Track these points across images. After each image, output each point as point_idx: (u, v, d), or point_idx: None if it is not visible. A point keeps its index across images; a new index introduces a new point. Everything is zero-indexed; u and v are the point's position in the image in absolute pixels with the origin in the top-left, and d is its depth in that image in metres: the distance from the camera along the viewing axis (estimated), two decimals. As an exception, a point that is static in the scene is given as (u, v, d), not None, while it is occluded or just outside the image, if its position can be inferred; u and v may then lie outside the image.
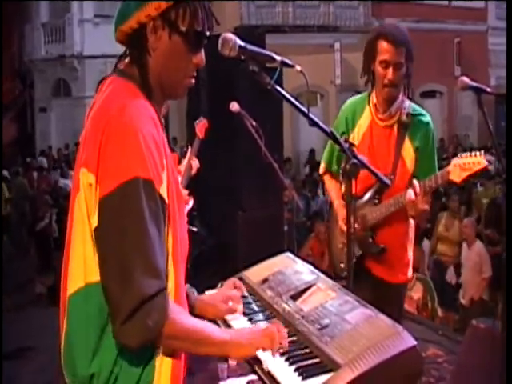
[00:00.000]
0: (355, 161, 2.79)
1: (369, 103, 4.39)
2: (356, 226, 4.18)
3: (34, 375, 6.07)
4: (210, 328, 2.23)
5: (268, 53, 2.69)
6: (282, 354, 2.36)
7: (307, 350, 2.38)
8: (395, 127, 4.31)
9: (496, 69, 29.00)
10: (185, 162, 5.78)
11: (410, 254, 4.52)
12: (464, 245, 10.31)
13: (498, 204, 11.49)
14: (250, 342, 2.30)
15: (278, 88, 2.62)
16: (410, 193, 4.01)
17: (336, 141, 2.80)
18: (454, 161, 3.92)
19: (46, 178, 17.89)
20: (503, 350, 3.65)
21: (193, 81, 2.35)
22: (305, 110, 2.68)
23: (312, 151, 23.46)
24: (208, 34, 2.30)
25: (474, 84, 4.01)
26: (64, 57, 27.01)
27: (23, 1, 27.93)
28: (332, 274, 4.51)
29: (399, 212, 4.24)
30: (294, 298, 2.75)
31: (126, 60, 2.31)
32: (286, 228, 8.83)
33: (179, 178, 5.59)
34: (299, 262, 3.09)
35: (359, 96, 4.55)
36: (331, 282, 2.81)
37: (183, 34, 2.24)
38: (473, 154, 3.93)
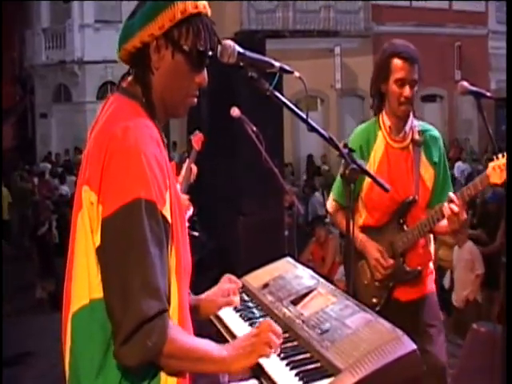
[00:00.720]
0: (354, 166, 2.78)
1: (380, 128, 4.28)
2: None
3: (34, 381, 6.07)
4: (208, 346, 2.22)
5: (267, 59, 2.70)
6: (282, 359, 2.37)
7: (308, 355, 2.39)
8: (410, 147, 4.24)
9: (496, 72, 28.99)
10: (183, 172, 5.80)
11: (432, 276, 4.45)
12: (456, 247, 10.33)
13: (487, 204, 11.58)
14: (249, 353, 2.27)
15: (277, 94, 2.63)
16: (452, 207, 3.88)
17: (335, 146, 2.80)
18: (492, 164, 3.85)
19: (47, 183, 17.92)
20: (503, 353, 3.65)
21: (195, 100, 2.37)
22: (303, 115, 2.69)
23: (310, 156, 23.47)
24: (210, 53, 2.31)
25: (474, 88, 4.00)
26: (64, 62, 27.06)
27: (24, 0, 27.97)
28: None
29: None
30: (295, 302, 2.76)
31: (129, 78, 2.32)
32: (286, 233, 8.84)
33: (178, 186, 5.60)
34: (300, 266, 3.10)
35: (366, 123, 4.41)
36: (331, 286, 2.82)
37: (186, 54, 2.26)
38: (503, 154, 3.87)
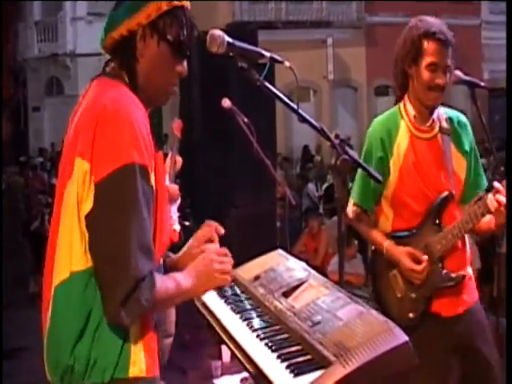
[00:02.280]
0: (346, 156, 2.76)
1: (402, 117, 3.83)
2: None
3: (27, 375, 6.06)
4: (178, 280, 2.34)
5: (257, 49, 2.69)
6: (273, 351, 2.36)
7: (299, 347, 2.37)
8: (439, 137, 3.81)
9: (489, 63, 29.04)
10: (168, 161, 5.77)
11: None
12: None
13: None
14: (207, 281, 2.45)
15: (268, 84, 2.61)
16: (499, 198, 3.49)
17: (326, 137, 2.77)
18: None
19: (39, 177, 17.87)
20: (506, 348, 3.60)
21: (175, 89, 2.47)
22: (294, 106, 2.67)
23: (306, 147, 23.48)
24: (191, 44, 2.42)
25: (467, 78, 3.93)
26: (57, 55, 27.01)
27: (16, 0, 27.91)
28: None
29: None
30: (286, 295, 2.74)
31: (113, 65, 2.41)
32: (278, 224, 8.83)
33: (167, 176, 5.59)
34: (291, 258, 3.09)
35: (386, 113, 3.94)
36: (323, 278, 2.80)
37: (170, 43, 2.37)
38: None
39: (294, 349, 2.37)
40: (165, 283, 2.26)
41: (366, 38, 26.28)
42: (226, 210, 8.56)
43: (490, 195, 3.54)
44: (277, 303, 2.70)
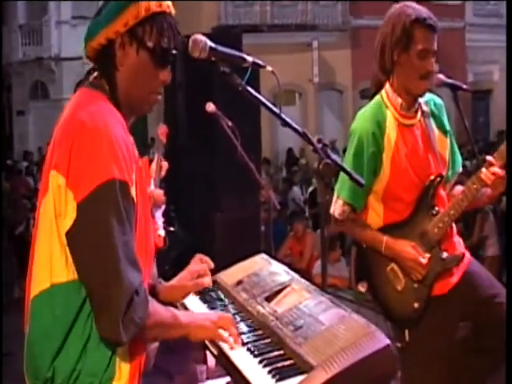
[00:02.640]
0: (328, 160, 2.77)
1: (388, 107, 3.75)
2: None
3: (12, 382, 6.02)
4: (176, 312, 2.36)
5: (239, 54, 2.70)
6: (255, 356, 2.36)
7: (281, 352, 2.38)
8: (422, 121, 3.78)
9: (473, 65, 29.14)
10: (153, 166, 5.77)
11: None
12: None
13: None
14: (212, 323, 2.42)
15: (250, 89, 2.62)
16: (495, 171, 3.51)
17: (309, 141, 2.78)
18: (498, 152, 3.53)
19: (24, 181, 17.80)
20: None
21: (159, 97, 2.43)
22: (277, 110, 2.68)
23: (290, 150, 23.50)
24: (174, 51, 2.38)
25: (450, 81, 3.94)
26: (41, 59, 26.90)
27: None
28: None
29: None
30: (269, 299, 2.75)
31: (95, 74, 2.38)
32: (262, 228, 8.84)
33: (152, 181, 5.59)
34: (274, 262, 3.09)
35: (370, 105, 3.83)
36: (305, 282, 2.81)
37: (150, 50, 2.32)
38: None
39: (276, 353, 2.38)
40: (161, 309, 2.27)
41: (352, 41, 26.30)
42: (211, 214, 8.56)
43: (484, 169, 3.54)
44: (259, 308, 2.70)
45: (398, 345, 3.53)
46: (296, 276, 2.90)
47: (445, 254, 3.70)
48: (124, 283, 2.08)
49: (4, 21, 29.04)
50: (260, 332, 2.56)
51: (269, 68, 2.71)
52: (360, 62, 25.36)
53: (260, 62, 2.74)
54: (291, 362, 2.31)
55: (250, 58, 2.69)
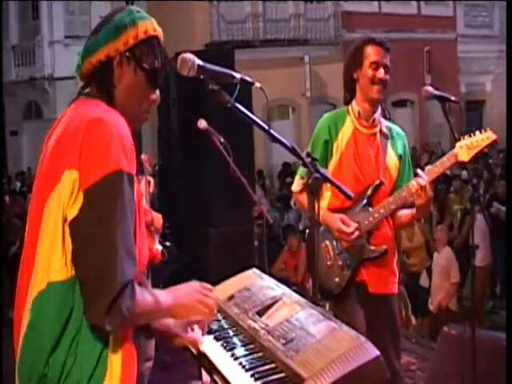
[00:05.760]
0: (317, 175, 2.80)
1: (349, 113, 4.41)
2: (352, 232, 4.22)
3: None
4: (158, 295, 2.36)
5: (227, 71, 2.73)
6: (247, 370, 2.38)
7: (273, 365, 2.40)
8: (378, 136, 4.38)
9: (466, 76, 29.20)
10: (141, 185, 5.83)
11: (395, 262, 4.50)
12: (435, 253, 10.43)
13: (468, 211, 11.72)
14: (189, 310, 2.46)
15: (238, 105, 2.65)
16: (419, 181, 4.04)
17: (298, 156, 2.82)
18: (459, 143, 4.04)
19: (19, 201, 17.76)
20: (473, 355, 3.68)
21: (149, 116, 2.52)
22: (266, 126, 2.71)
23: (286, 164, 23.48)
24: (164, 73, 2.47)
25: (438, 93, 4.10)
26: (35, 79, 26.87)
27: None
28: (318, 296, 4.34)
29: (387, 218, 4.33)
30: (260, 313, 2.77)
31: (90, 89, 2.44)
32: (256, 243, 8.85)
33: (143, 200, 5.63)
34: (265, 277, 3.11)
35: (336, 110, 4.59)
36: (296, 296, 2.83)
37: (146, 71, 2.42)
38: (477, 133, 4.08)
39: (267, 367, 2.40)
40: (144, 296, 2.28)
41: (344, 54, 26.29)
42: (205, 229, 8.58)
43: (413, 181, 4.10)
44: (251, 322, 2.72)
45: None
46: (287, 290, 2.92)
47: (370, 246, 4.29)
48: (118, 273, 2.12)
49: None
50: (252, 346, 2.58)
51: (257, 85, 2.75)
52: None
53: (248, 79, 2.77)
54: (283, 375, 2.33)
55: (238, 75, 2.72)
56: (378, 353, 2.26)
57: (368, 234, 4.31)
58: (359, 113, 4.36)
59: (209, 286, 2.56)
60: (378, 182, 4.28)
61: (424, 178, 4.06)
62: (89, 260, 2.15)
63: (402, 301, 8.76)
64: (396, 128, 4.51)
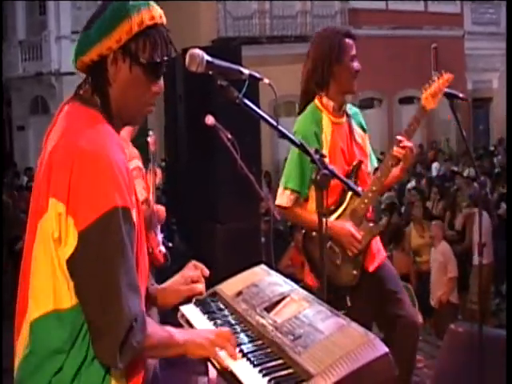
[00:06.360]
0: (325, 171, 2.79)
1: (322, 111, 4.44)
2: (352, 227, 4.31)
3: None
4: (172, 331, 2.34)
5: (236, 67, 2.72)
6: (255, 366, 2.37)
7: (280, 361, 2.39)
8: (347, 120, 4.53)
9: (473, 73, 29.16)
10: (148, 176, 5.83)
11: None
12: (432, 248, 10.44)
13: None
14: (208, 341, 2.40)
15: (247, 101, 2.64)
16: (405, 144, 4.22)
17: (306, 152, 2.81)
18: (423, 95, 4.37)
19: (25, 197, 17.78)
20: (481, 352, 3.68)
21: (153, 108, 2.41)
22: (274, 122, 2.71)
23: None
24: (166, 62, 2.36)
25: (446, 90, 4.11)
26: (41, 74, 26.88)
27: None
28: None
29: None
30: (268, 309, 2.75)
31: (86, 87, 2.36)
32: (263, 239, 8.84)
33: (150, 194, 5.63)
34: (273, 273, 3.11)
35: (307, 112, 4.51)
36: (304, 292, 2.82)
37: (143, 65, 2.30)
38: (435, 78, 4.40)
39: (275, 363, 2.39)
40: (156, 329, 2.25)
41: (355, 36, 26.24)
42: (211, 226, 8.57)
43: (395, 147, 4.24)
44: (259, 318, 2.71)
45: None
46: (295, 286, 2.91)
47: (371, 224, 4.39)
48: (124, 311, 2.09)
49: (3, 37, 29.06)
50: (260, 342, 2.57)
51: (266, 80, 2.74)
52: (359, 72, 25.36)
53: (257, 75, 2.76)
54: (291, 371, 2.32)
55: (246, 71, 2.72)
56: (387, 349, 2.25)
57: (365, 215, 4.40)
58: (333, 107, 4.43)
59: (227, 332, 2.52)
60: (355, 162, 4.40)
61: (404, 139, 4.23)
62: (92, 301, 2.11)
63: (409, 299, 8.72)
64: (350, 106, 4.64)
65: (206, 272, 2.88)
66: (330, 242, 4.37)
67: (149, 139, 5.79)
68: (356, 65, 4.41)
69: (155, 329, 2.25)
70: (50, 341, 2.18)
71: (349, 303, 4.24)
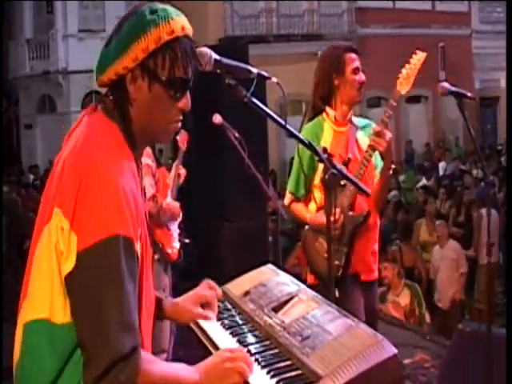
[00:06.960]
0: (334, 171, 2.79)
1: (325, 120, 4.75)
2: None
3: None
4: (180, 372, 2.20)
5: (244, 65, 2.71)
6: (263, 367, 2.36)
7: (289, 362, 2.37)
8: (350, 128, 4.77)
9: (480, 72, 29.12)
10: (172, 173, 5.87)
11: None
12: (436, 247, 10.44)
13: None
14: (221, 378, 2.23)
15: (255, 100, 2.63)
16: (379, 129, 4.40)
17: (314, 151, 2.81)
18: (398, 81, 4.49)
19: (32, 195, 17.80)
20: (489, 352, 3.67)
21: (179, 125, 2.29)
22: (282, 121, 2.70)
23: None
24: (191, 77, 2.24)
25: (454, 89, 4.11)
26: (49, 73, 26.93)
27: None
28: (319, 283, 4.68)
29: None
30: (276, 310, 2.74)
31: (111, 97, 2.24)
32: (270, 238, 8.84)
33: (169, 192, 5.64)
34: (281, 273, 3.09)
35: (313, 122, 4.80)
36: (312, 292, 2.81)
37: (164, 83, 2.18)
38: (411, 60, 4.59)
39: (283, 364, 2.37)
40: (158, 365, 2.15)
41: (358, 50, 26.27)
42: (219, 224, 8.58)
43: (372, 137, 4.41)
44: (267, 318, 2.69)
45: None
46: (303, 286, 2.90)
47: (352, 214, 4.55)
48: (110, 347, 1.99)
49: (10, 35, 29.12)
50: (267, 342, 2.55)
51: (274, 79, 2.73)
52: (366, 71, 25.35)
53: (265, 74, 2.75)
54: (299, 372, 2.30)
55: (255, 70, 2.71)
56: (396, 351, 2.24)
57: (350, 205, 4.55)
58: (335, 117, 4.73)
59: (239, 349, 2.44)
60: (345, 159, 4.47)
61: (379, 128, 4.41)
62: (82, 325, 2.04)
63: (416, 298, 8.71)
64: (363, 119, 4.94)
65: (220, 293, 2.84)
66: (320, 239, 4.65)
67: (178, 137, 5.80)
68: (359, 77, 4.65)
69: (155, 367, 2.12)
70: (39, 352, 2.11)
71: (337, 295, 4.29)
